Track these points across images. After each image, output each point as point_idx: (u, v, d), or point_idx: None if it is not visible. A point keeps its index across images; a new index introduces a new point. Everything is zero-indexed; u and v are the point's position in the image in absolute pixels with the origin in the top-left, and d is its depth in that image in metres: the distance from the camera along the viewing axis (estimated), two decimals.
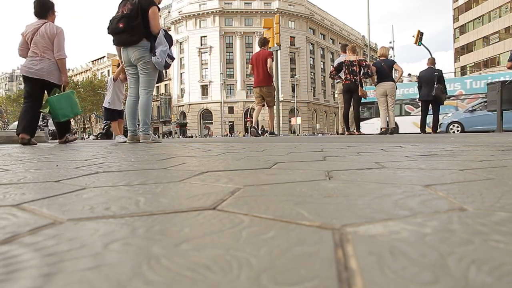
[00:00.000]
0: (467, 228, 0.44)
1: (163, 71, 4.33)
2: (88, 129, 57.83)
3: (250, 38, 52.71)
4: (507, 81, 7.46)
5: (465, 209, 0.54)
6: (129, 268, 0.33)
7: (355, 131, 7.39)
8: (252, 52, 52.44)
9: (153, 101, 5.53)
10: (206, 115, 52.46)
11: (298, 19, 54.77)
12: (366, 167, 1.15)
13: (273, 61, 6.96)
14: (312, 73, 58.28)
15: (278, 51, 10.35)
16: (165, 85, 55.01)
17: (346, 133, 7.53)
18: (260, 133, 8.37)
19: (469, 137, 4.38)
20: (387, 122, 7.57)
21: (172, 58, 4.17)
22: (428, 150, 1.95)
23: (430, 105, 8.04)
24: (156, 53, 3.95)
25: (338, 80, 7.65)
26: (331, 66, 7.94)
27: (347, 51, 7.49)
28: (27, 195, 0.74)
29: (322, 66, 60.26)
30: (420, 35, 17.68)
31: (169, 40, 4.15)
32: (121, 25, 3.93)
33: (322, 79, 59.97)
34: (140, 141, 4.29)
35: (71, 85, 46.33)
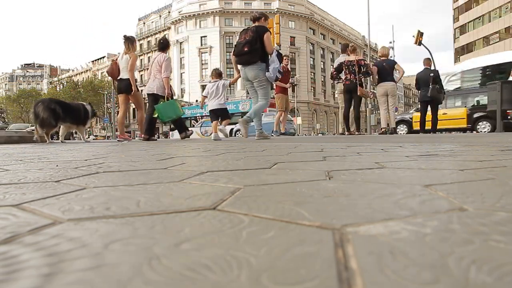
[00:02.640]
0: (467, 228, 0.44)
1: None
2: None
3: None
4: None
5: (465, 209, 0.54)
6: (129, 268, 0.33)
7: (355, 131, 7.39)
8: None
9: None
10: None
11: (298, 19, 54.71)
12: (366, 167, 1.15)
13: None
14: (312, 73, 58.17)
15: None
16: None
17: (347, 133, 7.53)
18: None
19: (470, 137, 4.38)
20: (388, 122, 7.57)
21: (281, 73, 5.20)
22: (428, 150, 1.95)
23: (429, 105, 8.03)
24: (270, 70, 4.90)
25: (338, 81, 7.67)
26: (331, 66, 8.05)
27: (346, 51, 7.50)
28: (27, 195, 0.74)
29: (322, 66, 60.13)
30: (420, 35, 17.65)
31: (280, 57, 5.24)
32: (246, 49, 4.88)
33: (322, 79, 59.85)
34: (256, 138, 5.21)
35: (71, 84, 46.30)
